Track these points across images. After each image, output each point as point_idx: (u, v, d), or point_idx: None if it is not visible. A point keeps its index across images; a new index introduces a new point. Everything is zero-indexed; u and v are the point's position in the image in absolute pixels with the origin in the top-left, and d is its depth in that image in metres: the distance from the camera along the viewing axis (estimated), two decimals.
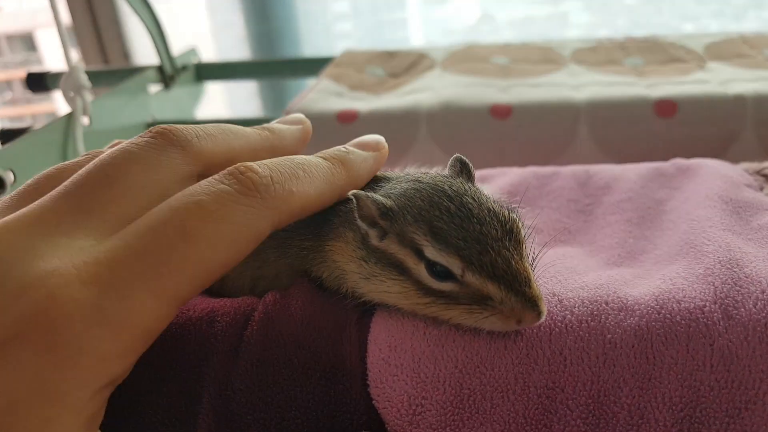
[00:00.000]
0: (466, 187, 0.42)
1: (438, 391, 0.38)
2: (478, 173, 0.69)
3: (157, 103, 1.11)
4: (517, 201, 0.63)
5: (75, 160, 0.42)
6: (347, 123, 0.98)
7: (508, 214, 0.41)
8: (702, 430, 0.37)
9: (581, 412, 0.38)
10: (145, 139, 0.39)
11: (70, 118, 0.85)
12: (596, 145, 0.92)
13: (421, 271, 0.39)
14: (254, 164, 0.38)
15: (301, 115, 0.51)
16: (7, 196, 0.40)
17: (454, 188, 0.42)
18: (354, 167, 0.45)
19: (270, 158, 0.43)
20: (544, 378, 0.38)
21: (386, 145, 0.49)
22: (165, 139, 0.39)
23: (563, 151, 0.93)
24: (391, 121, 0.96)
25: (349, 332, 0.41)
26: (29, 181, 0.40)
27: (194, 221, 0.34)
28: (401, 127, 0.95)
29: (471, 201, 0.41)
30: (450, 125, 0.95)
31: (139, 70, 1.12)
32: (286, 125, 0.49)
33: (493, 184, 0.66)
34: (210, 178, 0.38)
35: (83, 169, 0.38)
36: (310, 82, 1.42)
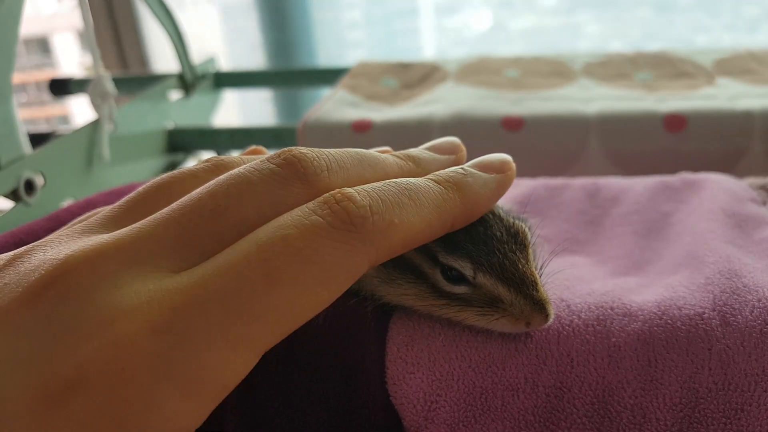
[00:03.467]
0: None
1: (452, 388, 0.41)
2: None
3: (177, 109, 1.14)
4: (527, 212, 0.65)
5: (192, 168, 0.38)
6: (362, 132, 1.00)
7: (513, 220, 0.43)
8: (700, 430, 0.39)
9: (587, 411, 0.40)
10: (270, 166, 0.35)
11: (96, 124, 0.88)
12: (606, 158, 0.94)
13: (436, 275, 0.42)
14: (353, 191, 0.34)
15: (455, 141, 0.45)
16: (112, 206, 0.37)
17: None
18: (471, 193, 0.38)
19: None
20: (552, 378, 0.40)
21: (514, 166, 0.42)
22: (292, 169, 0.34)
23: (573, 163, 0.95)
24: (404, 131, 0.99)
25: (369, 332, 0.43)
26: (138, 191, 0.37)
27: (279, 261, 0.30)
28: (414, 138, 0.98)
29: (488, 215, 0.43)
30: (462, 136, 0.96)
31: (160, 78, 1.16)
32: (434, 155, 0.43)
33: (505, 194, 0.69)
34: (303, 206, 0.33)
35: (195, 192, 0.34)
36: (324, 91, 1.45)
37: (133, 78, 1.29)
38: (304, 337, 0.43)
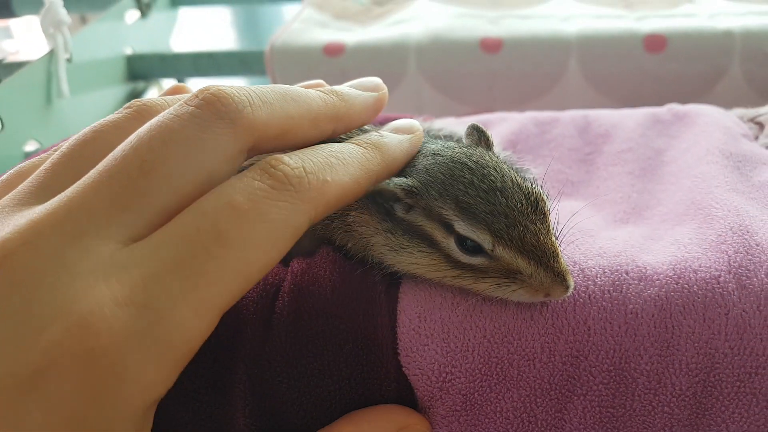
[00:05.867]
0: (487, 158, 0.43)
1: (467, 359, 0.40)
2: (475, 118, 0.70)
3: (135, 33, 1.07)
4: (518, 150, 0.64)
5: (113, 118, 0.37)
6: (334, 56, 0.96)
7: (532, 186, 0.41)
8: (714, 393, 0.40)
9: (603, 378, 0.40)
10: (189, 108, 0.34)
11: (51, 56, 0.82)
12: (586, 80, 0.92)
13: (450, 244, 0.40)
14: (284, 156, 0.35)
15: (377, 80, 0.47)
16: (39, 170, 0.35)
17: (474, 159, 0.42)
18: (389, 152, 0.42)
19: (332, 129, 0.41)
20: (568, 347, 0.40)
21: (420, 127, 0.46)
22: (212, 110, 0.34)
23: (553, 86, 0.93)
24: (379, 55, 0.95)
25: (379, 303, 0.42)
26: (63, 152, 0.36)
27: (228, 224, 0.32)
28: (390, 62, 0.94)
29: (494, 173, 0.41)
30: (439, 59, 0.94)
31: None
32: (358, 91, 0.44)
33: (494, 131, 0.67)
34: (239, 174, 0.34)
35: (118, 150, 0.33)
36: (288, 8, 1.38)
37: None
38: (313, 310, 0.42)
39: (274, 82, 0.97)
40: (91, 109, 0.90)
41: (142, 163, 0.33)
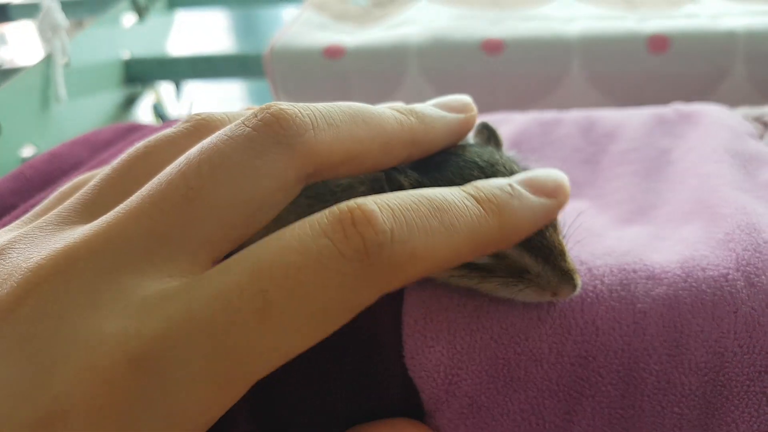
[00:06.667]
0: (497, 157, 0.42)
1: (473, 361, 0.39)
2: (480, 119, 0.69)
3: (132, 36, 1.06)
4: (522, 151, 0.63)
5: (170, 133, 0.35)
6: (334, 59, 0.96)
7: None
8: (724, 393, 0.39)
9: (612, 379, 0.39)
10: (246, 130, 0.30)
11: (48, 60, 0.81)
12: (588, 82, 0.91)
13: None
14: (374, 207, 0.28)
15: (466, 99, 0.40)
16: (88, 187, 0.33)
17: (485, 158, 0.41)
18: (513, 220, 0.33)
19: (407, 155, 0.35)
20: (577, 347, 0.39)
21: (569, 190, 0.36)
22: (270, 132, 0.30)
23: (555, 88, 0.92)
24: (379, 57, 0.94)
25: (383, 304, 0.41)
26: (113, 167, 0.33)
27: (276, 294, 0.26)
28: (390, 64, 0.94)
29: (503, 172, 0.40)
30: (440, 61, 0.94)
31: (112, 0, 1.07)
32: (441, 111, 0.38)
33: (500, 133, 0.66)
34: (311, 219, 0.29)
35: (165, 174, 0.30)
36: (288, 11, 1.37)
37: (80, 0, 1.19)
38: None
39: (274, 86, 0.96)
40: (89, 113, 0.90)
41: (188, 191, 0.29)
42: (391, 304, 0.41)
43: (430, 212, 0.29)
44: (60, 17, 0.82)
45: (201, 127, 0.35)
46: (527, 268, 0.38)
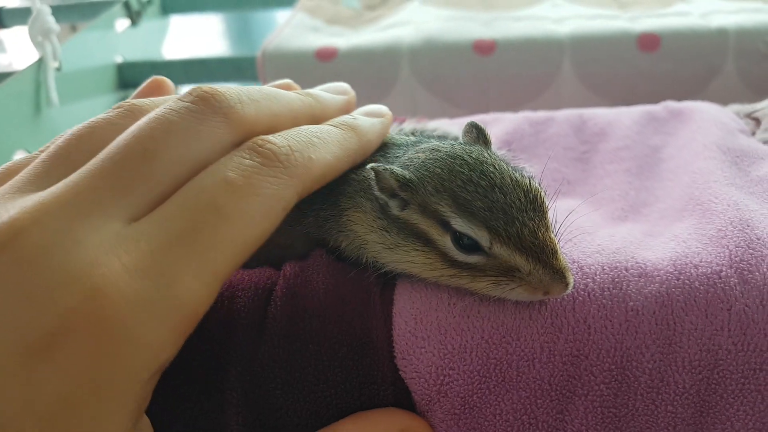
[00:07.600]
0: (486, 155, 0.42)
1: (465, 361, 0.39)
2: (469, 119, 0.69)
3: (125, 41, 1.06)
4: (513, 149, 0.63)
5: (106, 116, 0.39)
6: (327, 61, 0.95)
7: (530, 183, 0.41)
8: (718, 391, 0.39)
9: (604, 378, 0.39)
10: (186, 104, 0.37)
11: (39, 64, 0.81)
12: (580, 81, 0.91)
13: (446, 242, 0.39)
14: (270, 136, 0.38)
15: (345, 85, 0.51)
16: (36, 162, 0.37)
17: (473, 156, 0.41)
18: (363, 132, 0.45)
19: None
20: (568, 346, 0.39)
21: (389, 112, 0.49)
22: (206, 104, 0.37)
23: (547, 87, 0.92)
24: (371, 59, 0.94)
25: (374, 305, 0.41)
26: (59, 145, 0.38)
27: (225, 198, 0.34)
28: (383, 66, 0.94)
29: (492, 170, 0.40)
30: (432, 62, 0.93)
31: (104, 4, 1.07)
32: (330, 95, 0.48)
33: (491, 131, 0.66)
34: (230, 154, 0.37)
35: (120, 140, 0.36)
36: (281, 15, 1.37)
37: (73, 5, 1.18)
38: (306, 314, 0.41)
39: None
40: (81, 117, 0.88)
41: (145, 151, 0.35)
42: (382, 306, 0.41)
43: (309, 134, 0.40)
44: (51, 21, 0.81)
45: (134, 110, 0.40)
46: (518, 266, 0.38)
